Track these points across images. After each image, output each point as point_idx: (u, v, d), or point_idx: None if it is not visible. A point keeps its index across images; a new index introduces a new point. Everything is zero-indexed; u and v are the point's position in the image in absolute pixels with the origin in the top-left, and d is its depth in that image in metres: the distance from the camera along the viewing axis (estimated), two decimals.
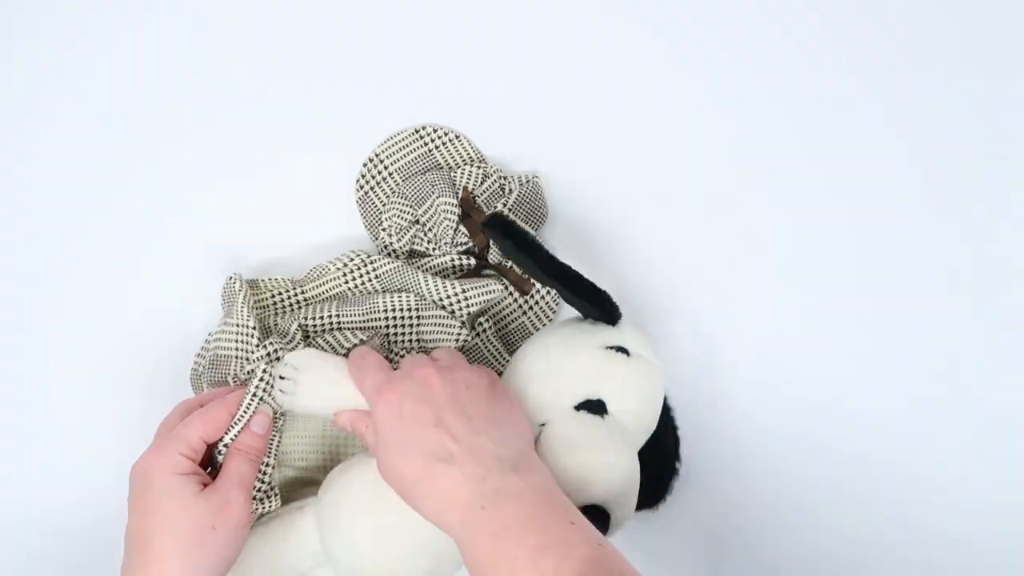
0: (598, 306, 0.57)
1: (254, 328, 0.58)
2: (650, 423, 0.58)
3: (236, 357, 0.59)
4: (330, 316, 0.60)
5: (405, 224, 0.65)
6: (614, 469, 0.54)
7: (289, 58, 0.69)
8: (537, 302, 0.66)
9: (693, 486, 0.64)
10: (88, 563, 0.63)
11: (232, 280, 0.61)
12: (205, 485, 0.52)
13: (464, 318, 0.62)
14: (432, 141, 0.67)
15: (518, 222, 0.57)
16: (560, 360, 0.57)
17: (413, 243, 0.65)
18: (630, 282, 0.67)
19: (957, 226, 0.68)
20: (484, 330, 0.63)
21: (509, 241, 0.56)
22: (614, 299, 0.58)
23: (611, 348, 0.56)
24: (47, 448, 0.65)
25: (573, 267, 0.57)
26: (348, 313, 0.61)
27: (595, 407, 0.56)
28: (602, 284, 0.66)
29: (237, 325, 0.59)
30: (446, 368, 0.53)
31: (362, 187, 0.67)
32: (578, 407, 0.56)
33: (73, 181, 0.68)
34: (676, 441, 0.61)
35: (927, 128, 0.68)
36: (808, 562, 0.64)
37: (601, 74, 0.69)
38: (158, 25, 0.70)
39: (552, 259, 0.57)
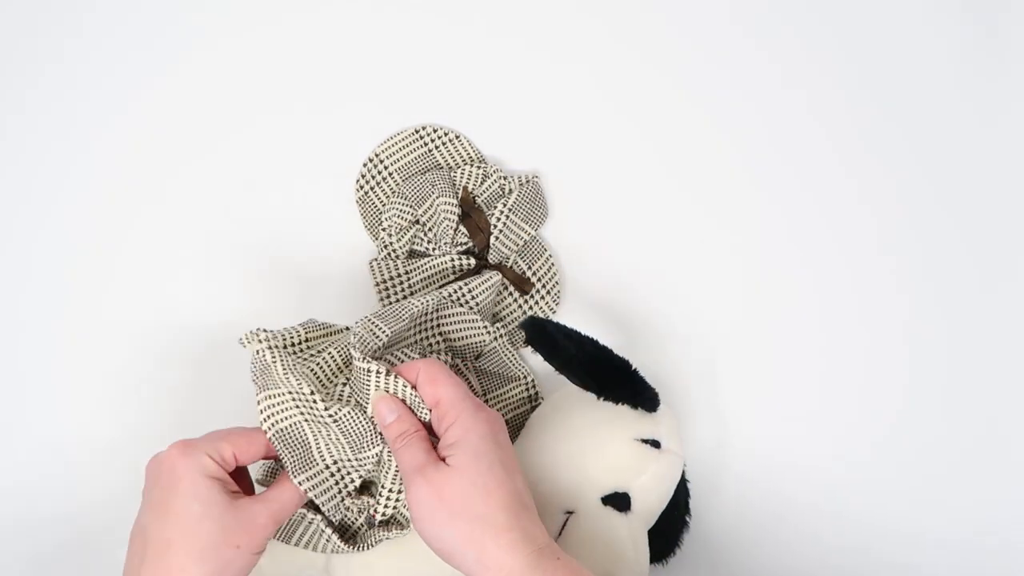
0: (642, 399, 0.56)
1: (312, 393, 0.52)
2: (662, 507, 0.58)
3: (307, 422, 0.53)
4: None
5: (405, 224, 0.65)
6: (631, 567, 0.54)
7: (289, 56, 0.69)
8: (537, 301, 0.65)
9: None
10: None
11: (260, 354, 0.53)
12: (233, 495, 0.49)
13: (475, 309, 0.61)
14: (432, 141, 0.67)
15: (554, 329, 0.56)
16: (594, 448, 0.56)
17: (413, 243, 0.65)
18: (628, 282, 0.67)
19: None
20: (501, 335, 0.63)
21: (545, 351, 0.56)
22: (652, 385, 0.57)
23: (645, 441, 0.56)
24: (52, 448, 0.64)
25: (613, 352, 0.56)
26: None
27: (621, 502, 0.55)
28: (600, 284, 0.67)
29: (290, 392, 0.53)
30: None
31: (362, 187, 0.67)
32: (605, 500, 0.55)
33: (71, 183, 0.68)
34: (687, 494, 0.61)
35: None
36: None
37: (602, 73, 0.69)
38: (160, 22, 0.70)
39: (597, 360, 0.56)
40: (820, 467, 0.64)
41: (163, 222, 0.67)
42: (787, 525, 0.64)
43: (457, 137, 0.68)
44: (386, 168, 0.67)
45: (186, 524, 0.46)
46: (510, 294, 0.65)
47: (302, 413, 0.52)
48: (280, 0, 0.70)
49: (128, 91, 0.69)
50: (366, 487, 0.55)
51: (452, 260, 0.64)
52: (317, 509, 0.53)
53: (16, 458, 0.63)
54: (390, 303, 0.64)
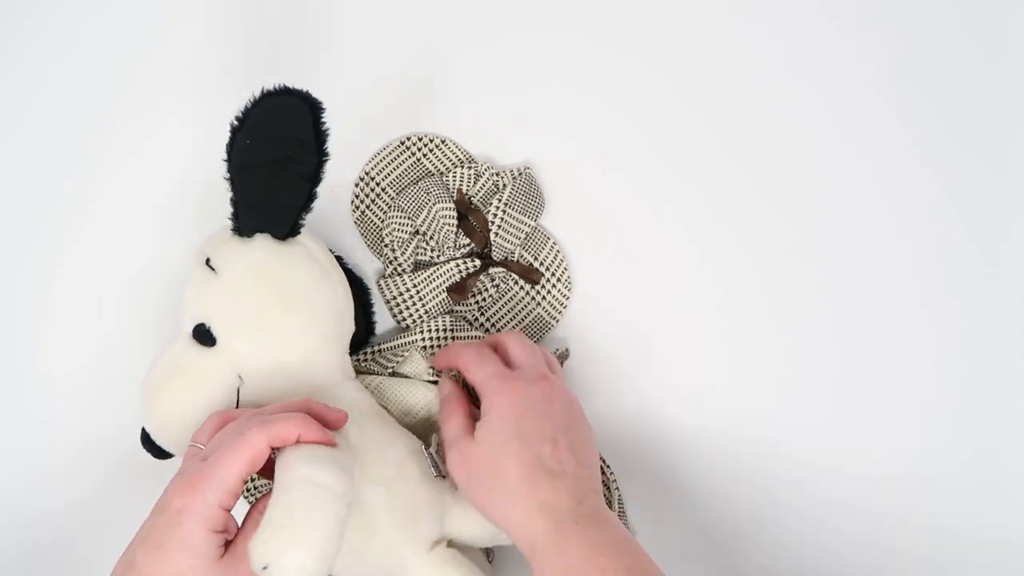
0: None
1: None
2: (271, 340, 0.54)
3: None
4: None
5: (406, 236, 0.65)
6: (164, 405, 0.54)
7: (289, 65, 0.69)
8: (549, 291, 0.66)
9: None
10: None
11: None
12: (229, 543, 0.48)
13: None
14: (419, 150, 0.67)
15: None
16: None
17: (417, 254, 0.65)
18: (634, 264, 0.67)
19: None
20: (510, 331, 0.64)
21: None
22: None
23: (206, 263, 0.54)
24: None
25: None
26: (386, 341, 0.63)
27: (200, 334, 0.53)
28: (607, 267, 0.67)
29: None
30: (562, 389, 0.56)
31: (357, 207, 0.67)
32: (194, 334, 0.54)
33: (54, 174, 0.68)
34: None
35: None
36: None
37: (582, 59, 0.69)
38: (150, 31, 0.69)
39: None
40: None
41: (156, 229, 0.67)
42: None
43: (443, 142, 0.67)
44: (378, 184, 0.67)
45: (171, 570, 0.46)
46: (520, 287, 0.66)
47: None
48: (258, 21, 0.69)
49: (123, 106, 0.69)
50: None
51: (457, 264, 0.64)
52: None
53: None
54: (403, 318, 0.64)
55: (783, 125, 0.68)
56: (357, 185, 0.67)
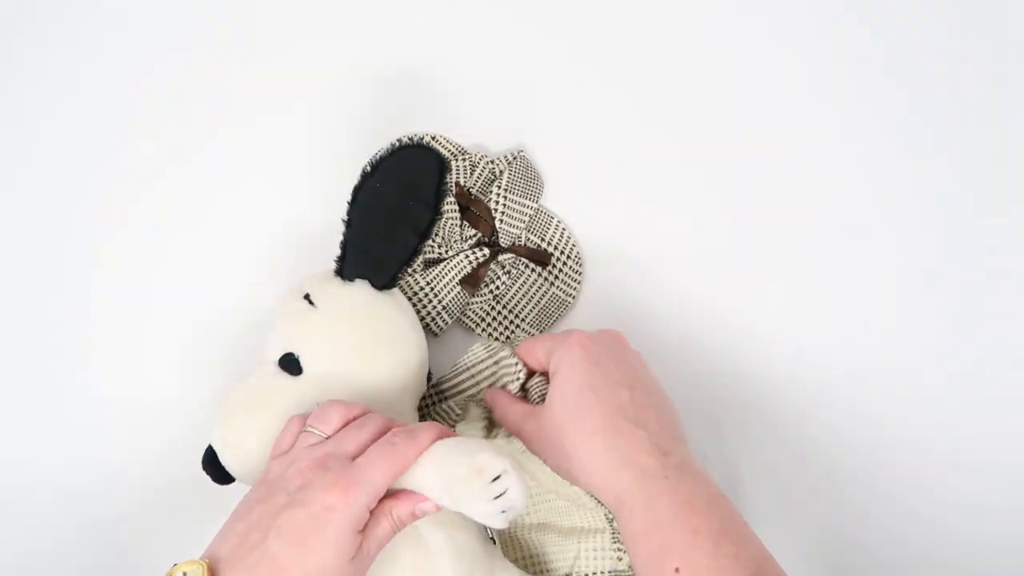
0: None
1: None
2: (358, 378, 0.55)
3: None
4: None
5: None
6: (242, 427, 0.54)
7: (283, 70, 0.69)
8: (561, 269, 0.66)
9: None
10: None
11: None
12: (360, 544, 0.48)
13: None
14: None
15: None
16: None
17: (425, 253, 0.65)
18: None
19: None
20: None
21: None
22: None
23: (304, 297, 0.56)
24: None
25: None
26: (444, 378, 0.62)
27: (287, 363, 0.55)
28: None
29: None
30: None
31: None
32: (280, 363, 0.55)
33: (97, 173, 0.68)
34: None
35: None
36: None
37: (558, 37, 0.69)
38: (174, 27, 0.69)
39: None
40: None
41: (185, 220, 0.67)
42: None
43: (434, 138, 0.67)
44: None
45: (313, 564, 0.45)
46: (532, 270, 0.65)
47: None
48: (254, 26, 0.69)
49: (144, 88, 0.68)
50: None
51: (467, 256, 0.64)
52: None
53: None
54: (422, 316, 0.64)
55: (771, 108, 0.69)
56: None
